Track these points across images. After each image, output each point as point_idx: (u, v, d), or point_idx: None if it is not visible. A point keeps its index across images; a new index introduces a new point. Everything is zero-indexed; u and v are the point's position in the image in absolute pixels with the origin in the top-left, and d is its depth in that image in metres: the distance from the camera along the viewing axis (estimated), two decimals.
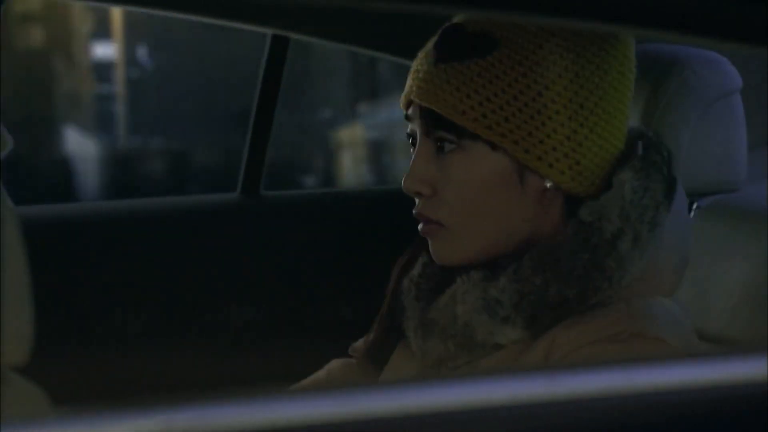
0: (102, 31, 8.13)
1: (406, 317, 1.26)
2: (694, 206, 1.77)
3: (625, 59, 1.23)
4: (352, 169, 7.65)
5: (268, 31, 2.09)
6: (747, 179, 1.70)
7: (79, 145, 7.85)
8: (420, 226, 1.23)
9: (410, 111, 1.23)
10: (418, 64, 1.22)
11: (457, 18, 1.23)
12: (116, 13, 7.64)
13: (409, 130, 1.24)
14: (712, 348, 1.45)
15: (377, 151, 7.93)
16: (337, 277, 2.11)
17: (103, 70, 8.31)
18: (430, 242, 1.23)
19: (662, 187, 1.21)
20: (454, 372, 1.21)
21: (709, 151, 1.65)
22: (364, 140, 7.84)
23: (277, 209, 2.16)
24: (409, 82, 1.23)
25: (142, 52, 8.34)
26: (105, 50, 8.30)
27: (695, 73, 1.61)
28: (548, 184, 1.20)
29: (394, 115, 6.46)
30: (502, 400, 0.83)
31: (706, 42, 0.97)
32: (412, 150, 1.23)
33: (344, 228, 2.15)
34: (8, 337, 0.77)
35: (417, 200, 1.23)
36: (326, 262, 2.12)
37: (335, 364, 1.43)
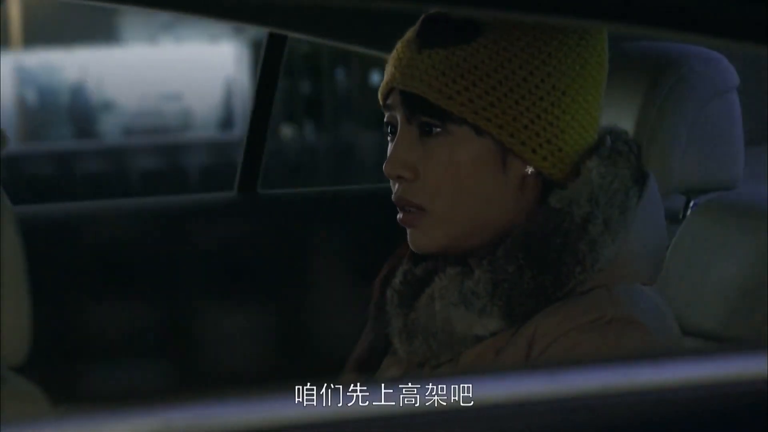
0: None
1: (391, 326, 1.26)
2: (691, 204, 1.77)
3: (602, 50, 1.24)
4: None
5: (265, 30, 2.09)
6: (744, 177, 1.70)
7: None
8: (399, 216, 1.24)
9: (390, 100, 1.23)
10: (399, 52, 1.23)
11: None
12: None
13: (387, 118, 1.24)
14: (709, 346, 1.45)
15: None
16: (335, 276, 2.11)
17: None
18: (408, 231, 1.24)
19: (630, 174, 1.22)
20: (448, 371, 1.21)
21: (706, 148, 1.65)
22: None
23: (274, 208, 2.16)
24: (390, 70, 1.23)
25: None
26: None
27: (693, 70, 1.62)
28: (529, 170, 1.21)
29: None
30: (497, 399, 0.83)
31: (703, 40, 0.97)
32: (388, 139, 1.24)
33: (342, 226, 2.15)
34: (6, 336, 0.77)
35: (396, 186, 1.23)
36: (324, 260, 2.12)
37: None
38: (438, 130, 1.20)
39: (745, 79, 1.66)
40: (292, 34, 2.10)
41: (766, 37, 0.93)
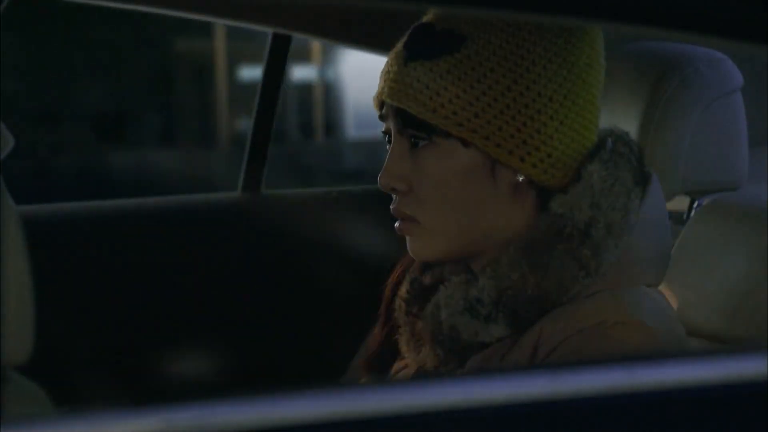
0: None
1: (400, 334, 1.27)
2: (695, 205, 1.77)
3: (592, 51, 1.23)
4: None
5: (269, 30, 2.09)
6: (747, 178, 1.70)
7: None
8: (396, 224, 1.24)
9: (384, 111, 1.24)
10: (388, 65, 1.24)
11: (427, 17, 1.24)
12: None
13: (384, 128, 1.25)
14: (712, 347, 1.45)
15: None
16: (338, 276, 2.11)
17: None
18: (407, 240, 1.24)
19: (632, 176, 1.22)
20: (451, 373, 1.21)
21: (709, 149, 1.65)
22: None
23: (278, 208, 2.16)
24: (380, 82, 1.24)
25: None
26: None
27: (696, 71, 1.61)
28: (520, 178, 1.21)
29: None
30: (501, 400, 0.83)
31: (707, 40, 0.97)
32: (388, 147, 1.24)
33: (346, 227, 2.15)
34: (9, 336, 0.77)
35: (393, 197, 1.24)
36: (327, 261, 2.12)
37: None
38: (425, 141, 1.21)
39: (746, 80, 1.66)
40: (296, 35, 2.10)
41: (767, 37, 0.93)
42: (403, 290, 1.28)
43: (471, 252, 1.23)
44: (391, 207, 1.24)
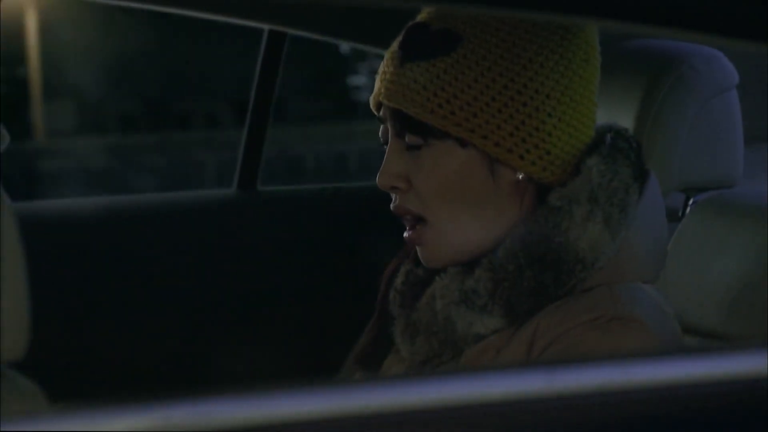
0: None
1: (395, 325, 1.27)
2: (691, 202, 1.77)
3: (588, 47, 1.24)
4: None
5: (265, 27, 2.09)
6: (743, 175, 1.70)
7: None
8: (405, 234, 1.24)
9: (381, 112, 1.24)
10: (385, 65, 1.23)
11: (421, 16, 1.24)
12: None
13: (381, 130, 1.25)
14: (709, 343, 1.45)
15: None
16: (334, 273, 2.11)
17: None
18: (418, 248, 1.24)
19: (630, 172, 1.22)
20: (449, 369, 1.21)
21: (705, 146, 1.65)
22: None
23: (273, 205, 2.16)
24: (377, 84, 1.24)
25: None
26: None
27: (692, 69, 1.61)
28: (520, 176, 1.21)
29: None
30: (497, 396, 0.83)
31: (703, 38, 0.97)
32: (385, 147, 1.24)
33: (341, 224, 2.15)
34: (5, 332, 0.77)
35: (394, 196, 1.24)
36: (323, 257, 2.12)
37: None
38: (421, 143, 1.21)
39: (743, 78, 1.66)
40: (292, 31, 2.10)
41: (766, 35, 0.93)
42: (398, 282, 1.28)
43: (477, 252, 1.22)
44: (392, 206, 1.24)
